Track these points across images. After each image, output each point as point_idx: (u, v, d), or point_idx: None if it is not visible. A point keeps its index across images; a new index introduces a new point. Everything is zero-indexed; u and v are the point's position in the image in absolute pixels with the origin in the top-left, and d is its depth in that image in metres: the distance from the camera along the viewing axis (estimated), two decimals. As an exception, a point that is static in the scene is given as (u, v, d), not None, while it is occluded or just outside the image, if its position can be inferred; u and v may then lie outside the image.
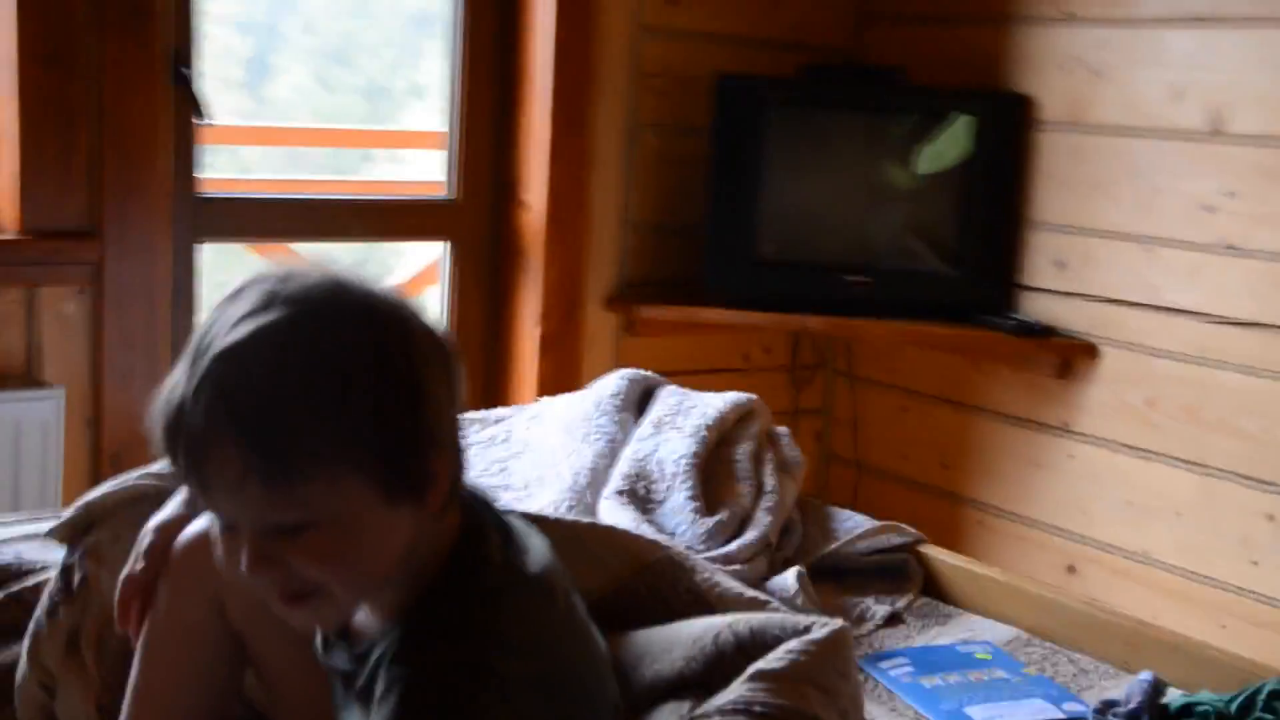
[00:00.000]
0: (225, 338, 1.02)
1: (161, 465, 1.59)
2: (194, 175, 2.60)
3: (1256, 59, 2.47)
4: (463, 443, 1.14)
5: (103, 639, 1.45)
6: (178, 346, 2.61)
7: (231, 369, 1.01)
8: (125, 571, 1.33)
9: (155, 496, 1.54)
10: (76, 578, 1.49)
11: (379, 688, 1.09)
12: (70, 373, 2.47)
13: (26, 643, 1.48)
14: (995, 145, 2.88)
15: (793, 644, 1.34)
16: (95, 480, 2.51)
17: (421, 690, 1.07)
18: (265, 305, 1.03)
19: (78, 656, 1.44)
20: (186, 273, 2.62)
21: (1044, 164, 2.84)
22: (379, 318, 1.06)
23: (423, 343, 1.09)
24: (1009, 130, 2.87)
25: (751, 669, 1.31)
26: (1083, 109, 2.76)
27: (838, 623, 1.38)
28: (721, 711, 1.25)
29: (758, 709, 1.25)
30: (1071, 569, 2.81)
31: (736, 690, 1.28)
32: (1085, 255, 2.77)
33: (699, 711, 1.27)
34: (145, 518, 1.51)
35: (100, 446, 2.51)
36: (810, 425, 3.28)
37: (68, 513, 1.57)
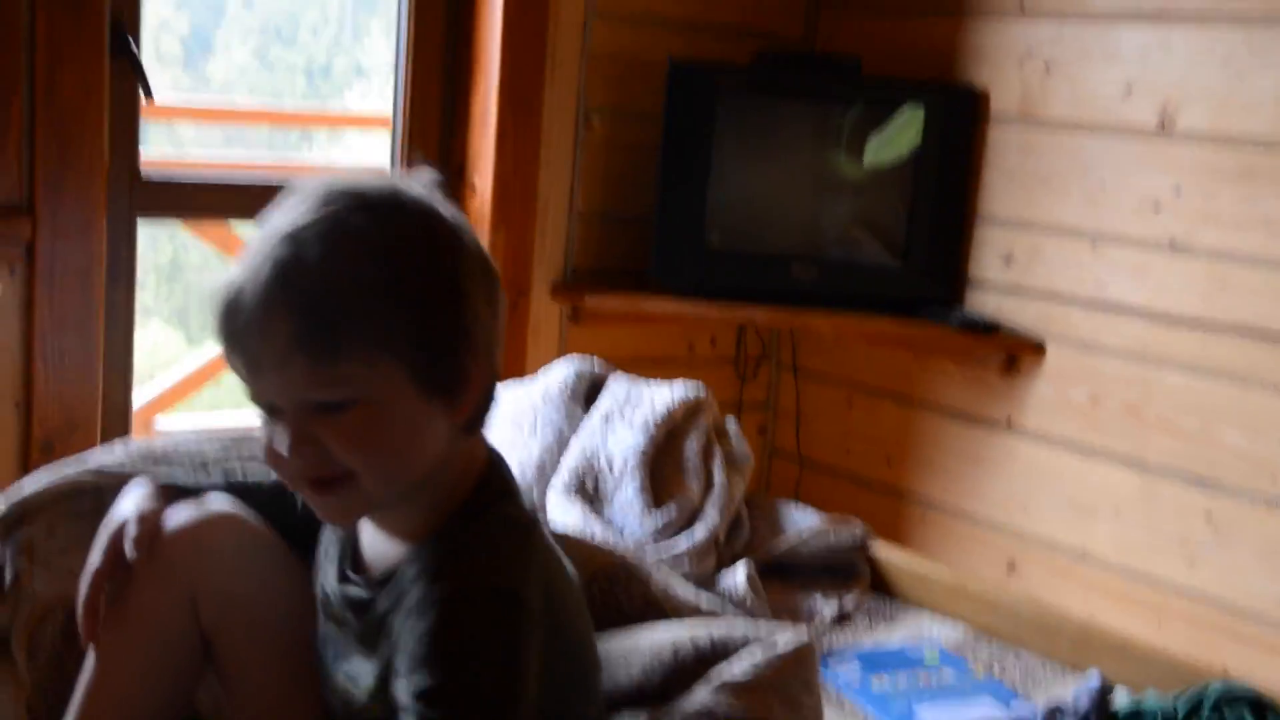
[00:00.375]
0: (287, 224, 1.09)
1: (96, 458, 1.54)
2: (135, 152, 2.52)
3: (1207, 56, 2.48)
4: (497, 368, 1.20)
5: (34, 639, 1.40)
6: (115, 328, 2.55)
7: (290, 249, 1.08)
8: (93, 564, 1.26)
9: (93, 491, 1.49)
10: (8, 575, 1.44)
11: (410, 603, 1.11)
12: (0, 354, 2.40)
13: None
14: (946, 138, 2.87)
15: (757, 656, 1.32)
16: (24, 467, 2.44)
17: (461, 607, 1.09)
18: (327, 199, 1.11)
19: (7, 660, 1.39)
20: (126, 251, 2.55)
21: (994, 158, 2.84)
22: (433, 222, 1.14)
23: (470, 255, 1.16)
24: (960, 123, 2.86)
25: (715, 679, 1.29)
26: (1034, 104, 2.76)
27: (801, 637, 1.36)
28: (685, 717, 1.23)
29: (722, 715, 1.23)
30: (1012, 566, 2.82)
31: (701, 698, 1.26)
32: (1032, 251, 2.77)
33: (661, 713, 1.25)
34: (81, 512, 1.47)
35: (30, 432, 2.44)
36: (754, 418, 3.26)
37: None
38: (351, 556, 1.24)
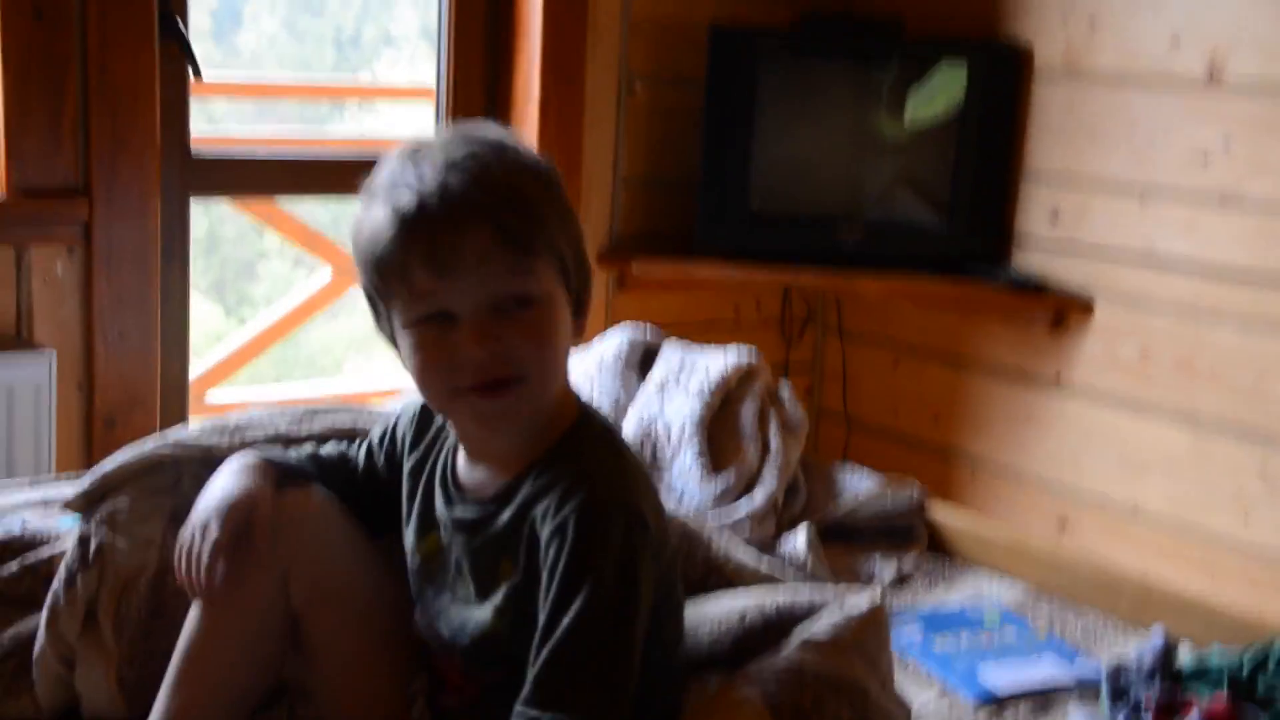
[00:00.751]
0: (447, 152, 1.17)
1: (175, 435, 1.57)
2: (185, 131, 2.55)
3: (1255, 3, 2.46)
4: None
5: (120, 610, 1.44)
6: (170, 305, 2.59)
7: (472, 163, 1.16)
8: (214, 536, 1.30)
9: (172, 465, 1.52)
10: (93, 545, 1.48)
11: (544, 520, 1.17)
12: (61, 335, 2.44)
13: (45, 616, 1.46)
14: (990, 96, 2.86)
15: (836, 616, 1.35)
16: (89, 444, 2.49)
17: (594, 521, 1.15)
18: (466, 136, 1.21)
19: (96, 630, 1.43)
20: (179, 230, 2.58)
21: (1039, 114, 2.83)
22: (552, 164, 1.25)
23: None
24: (1004, 80, 2.85)
25: (798, 638, 1.32)
26: (1079, 57, 2.75)
27: (875, 597, 1.39)
28: (775, 673, 1.26)
29: (810, 674, 1.26)
30: (1063, 523, 2.83)
31: (788, 656, 1.29)
32: (1080, 207, 2.77)
33: (751, 668, 1.28)
34: (161, 486, 1.50)
35: (93, 410, 2.48)
36: (800, 380, 3.27)
37: (83, 483, 1.55)
38: (455, 488, 1.29)
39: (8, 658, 1.45)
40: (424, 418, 1.36)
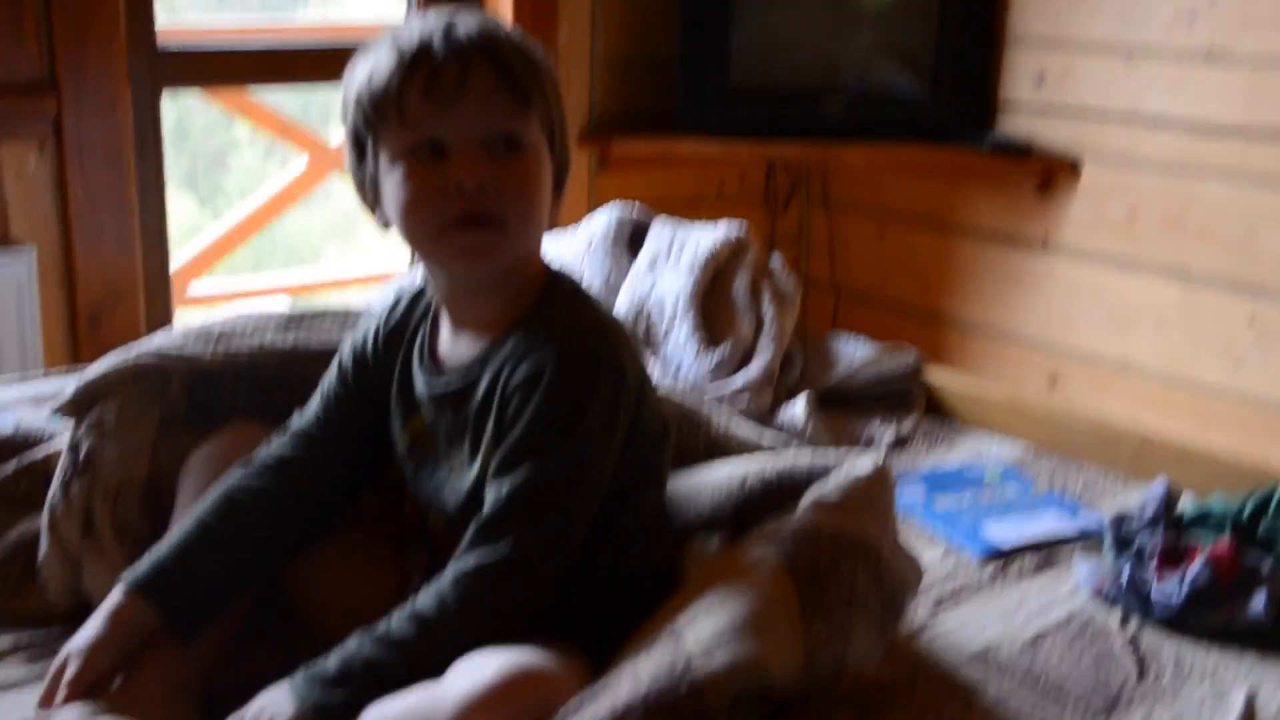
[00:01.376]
0: (447, 16, 1.21)
1: (157, 341, 1.55)
2: (150, 22, 2.48)
3: None
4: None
5: (117, 514, 1.43)
6: (147, 199, 2.55)
7: (477, 19, 1.21)
8: (66, 675, 1.23)
9: (156, 372, 1.51)
10: (83, 452, 1.47)
11: (519, 377, 1.19)
12: (39, 232, 2.40)
13: (45, 519, 1.45)
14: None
15: (843, 477, 1.35)
16: (74, 340, 2.47)
17: (560, 372, 1.18)
18: (446, 9, 1.24)
19: (96, 534, 1.42)
20: (151, 123, 2.52)
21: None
22: None
23: None
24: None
25: (808, 499, 1.33)
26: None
27: (877, 458, 1.39)
28: (791, 536, 1.27)
29: (824, 536, 1.27)
30: (1053, 380, 2.85)
31: (800, 517, 1.29)
32: (1064, 69, 2.74)
33: (766, 529, 1.29)
34: (147, 392, 1.49)
35: (76, 306, 2.45)
36: (787, 252, 3.26)
37: (70, 390, 1.53)
38: (433, 364, 1.30)
39: (12, 558, 1.45)
40: (392, 316, 1.35)
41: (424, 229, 1.22)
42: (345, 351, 1.39)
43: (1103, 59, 2.66)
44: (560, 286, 1.28)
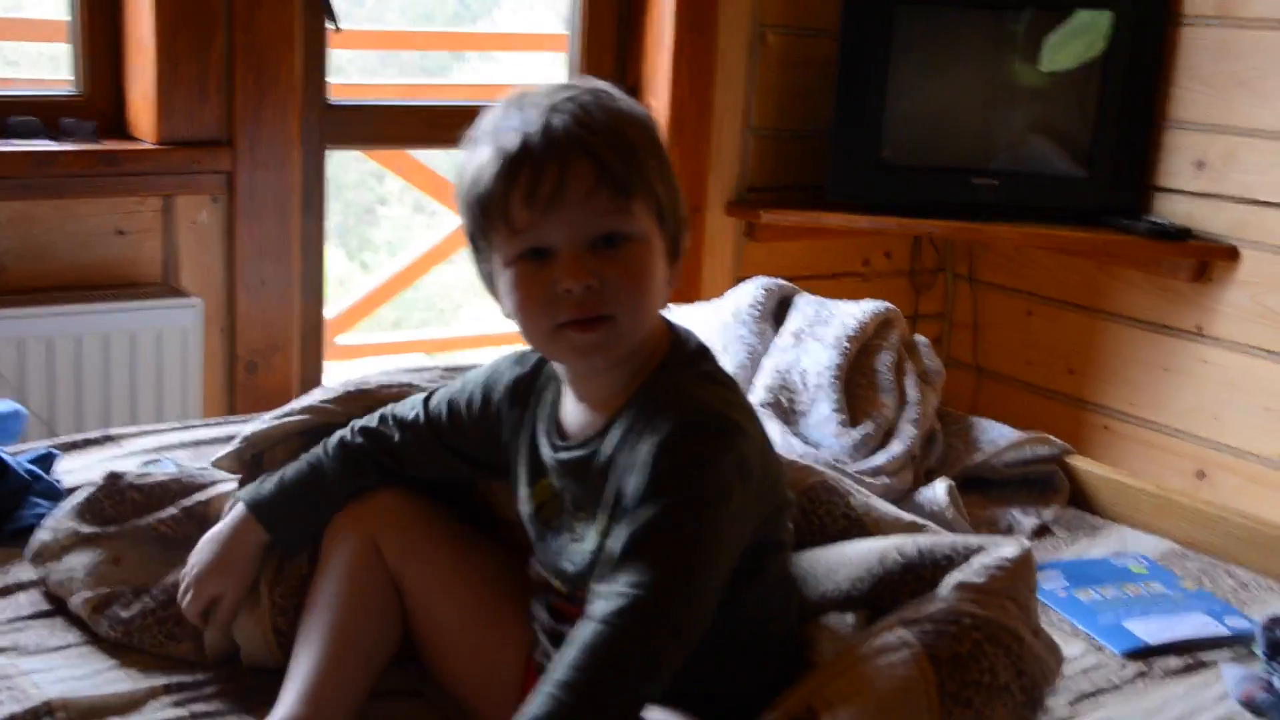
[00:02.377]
0: (550, 97, 1.21)
1: (316, 397, 1.61)
2: (323, 83, 2.59)
3: None
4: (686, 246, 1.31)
5: (279, 566, 1.47)
6: (308, 253, 2.64)
7: (574, 105, 1.20)
8: (186, 603, 1.47)
9: (316, 430, 1.56)
10: None
11: (636, 443, 1.20)
12: (205, 281, 2.50)
13: None
14: (1133, 41, 2.78)
15: (987, 559, 1.34)
16: (231, 387, 2.56)
17: (688, 432, 1.19)
18: (568, 86, 1.24)
19: (252, 589, 1.47)
20: (316, 179, 2.62)
21: (1187, 61, 2.75)
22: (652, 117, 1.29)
23: None
24: (1150, 25, 2.78)
25: (950, 581, 1.31)
26: (1234, 2, 2.66)
27: (1023, 544, 1.38)
28: (933, 620, 1.26)
29: (967, 620, 1.26)
30: (1201, 475, 2.78)
31: (942, 602, 1.28)
32: (1227, 155, 2.69)
33: (906, 613, 1.28)
34: (305, 450, 1.54)
35: (235, 354, 2.55)
36: (929, 330, 3.24)
37: (233, 445, 1.59)
38: (558, 430, 1.32)
39: (170, 602, 1.50)
40: (519, 381, 1.39)
41: (538, 331, 1.24)
42: (475, 380, 1.44)
43: (1268, 145, 2.61)
44: (682, 356, 1.28)
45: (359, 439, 1.48)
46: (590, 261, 1.20)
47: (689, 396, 1.23)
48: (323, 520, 1.46)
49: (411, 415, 1.47)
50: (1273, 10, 2.59)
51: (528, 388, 1.38)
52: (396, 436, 1.47)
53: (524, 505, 1.36)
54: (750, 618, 1.29)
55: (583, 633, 1.13)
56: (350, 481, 1.47)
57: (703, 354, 1.30)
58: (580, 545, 1.29)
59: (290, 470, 1.49)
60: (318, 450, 1.49)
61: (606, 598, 1.14)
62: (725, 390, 1.28)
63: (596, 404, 1.29)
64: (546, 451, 1.32)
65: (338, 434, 1.50)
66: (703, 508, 1.17)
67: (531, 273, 1.21)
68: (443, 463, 1.47)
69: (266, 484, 1.48)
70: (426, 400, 1.48)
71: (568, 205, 1.18)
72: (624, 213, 1.20)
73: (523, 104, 1.22)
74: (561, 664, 1.12)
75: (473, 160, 1.23)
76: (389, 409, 1.51)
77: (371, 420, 1.50)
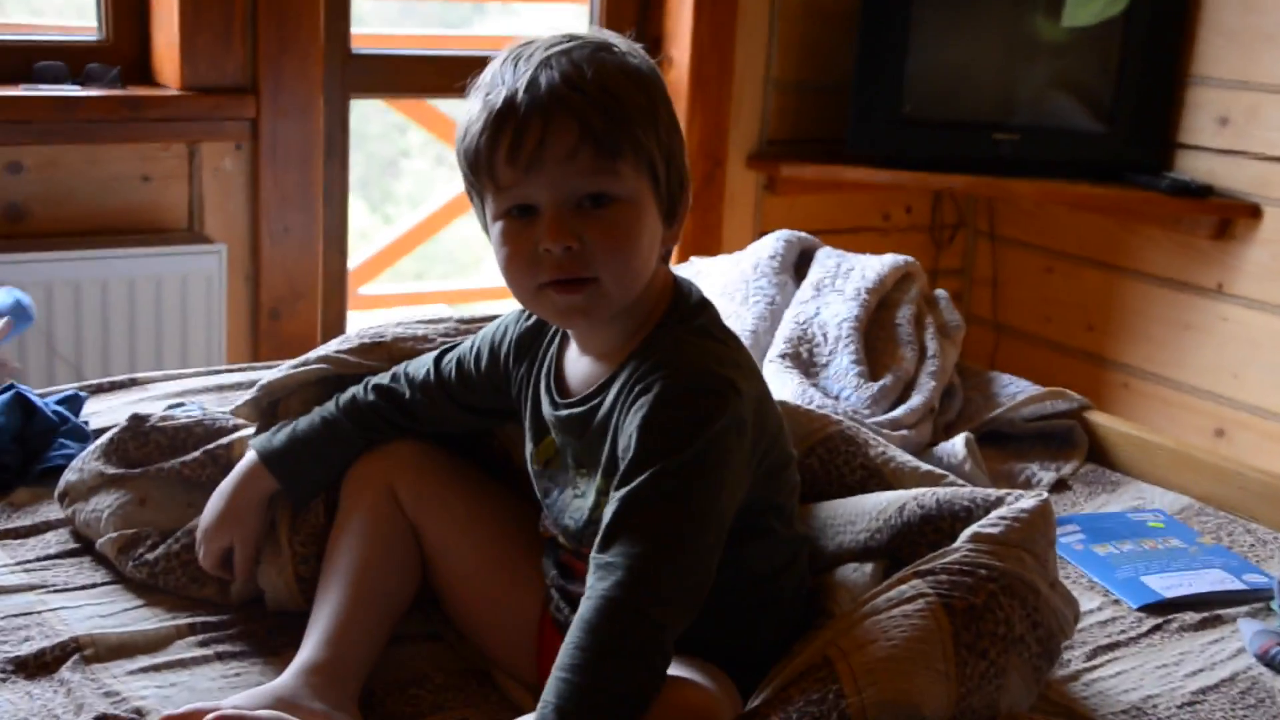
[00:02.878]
0: (546, 50, 1.19)
1: (333, 347, 1.62)
2: (346, 32, 2.59)
3: None
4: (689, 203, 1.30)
5: (294, 517, 1.49)
6: (331, 202, 2.65)
7: (566, 61, 1.18)
8: (201, 554, 1.49)
9: (333, 380, 1.57)
10: None
11: (632, 399, 1.20)
12: (229, 228, 2.52)
13: None
14: (1158, -4, 2.77)
15: (1004, 511, 1.35)
16: (255, 334, 2.58)
17: (680, 391, 1.18)
18: (571, 38, 1.21)
19: (273, 535, 1.49)
20: (340, 128, 2.63)
21: (1211, 16, 2.73)
22: (658, 72, 1.26)
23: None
24: (1175, -20, 2.76)
25: (969, 532, 1.32)
26: (1257, -43, 2.64)
27: (1041, 496, 1.38)
28: (949, 571, 1.27)
29: (983, 572, 1.27)
30: (1220, 433, 2.78)
31: (959, 553, 1.29)
32: (1250, 111, 2.67)
33: (922, 565, 1.29)
34: (321, 399, 1.55)
35: (259, 301, 2.56)
36: (950, 285, 3.22)
37: (251, 393, 1.60)
38: (558, 389, 1.33)
39: (194, 544, 1.51)
40: (524, 335, 1.40)
41: (521, 289, 1.24)
42: (484, 337, 1.45)
43: (1292, 104, 2.60)
44: (682, 311, 1.27)
45: (371, 396, 1.49)
46: (573, 222, 1.18)
47: (684, 356, 1.21)
48: (333, 473, 1.47)
49: (423, 374, 1.48)
50: (1300, -37, 2.57)
51: (532, 341, 1.38)
52: (408, 394, 1.48)
53: (531, 461, 1.37)
54: (757, 574, 1.30)
55: (583, 610, 1.13)
56: (361, 435, 1.48)
57: (703, 307, 1.29)
58: (582, 502, 1.30)
59: (303, 422, 1.50)
60: (329, 405, 1.51)
61: (602, 570, 1.14)
62: (723, 346, 1.26)
63: (599, 356, 1.29)
64: (547, 408, 1.33)
65: (350, 390, 1.51)
66: (695, 473, 1.16)
67: (517, 230, 1.21)
68: (456, 419, 1.49)
69: (279, 435, 1.49)
70: (439, 359, 1.49)
71: (549, 164, 1.17)
72: (608, 173, 1.18)
73: (518, 58, 1.20)
74: (568, 645, 1.12)
75: (467, 114, 1.22)
76: (401, 367, 1.52)
77: (384, 378, 1.50)
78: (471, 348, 1.46)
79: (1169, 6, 2.77)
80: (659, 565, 1.13)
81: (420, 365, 1.50)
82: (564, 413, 1.30)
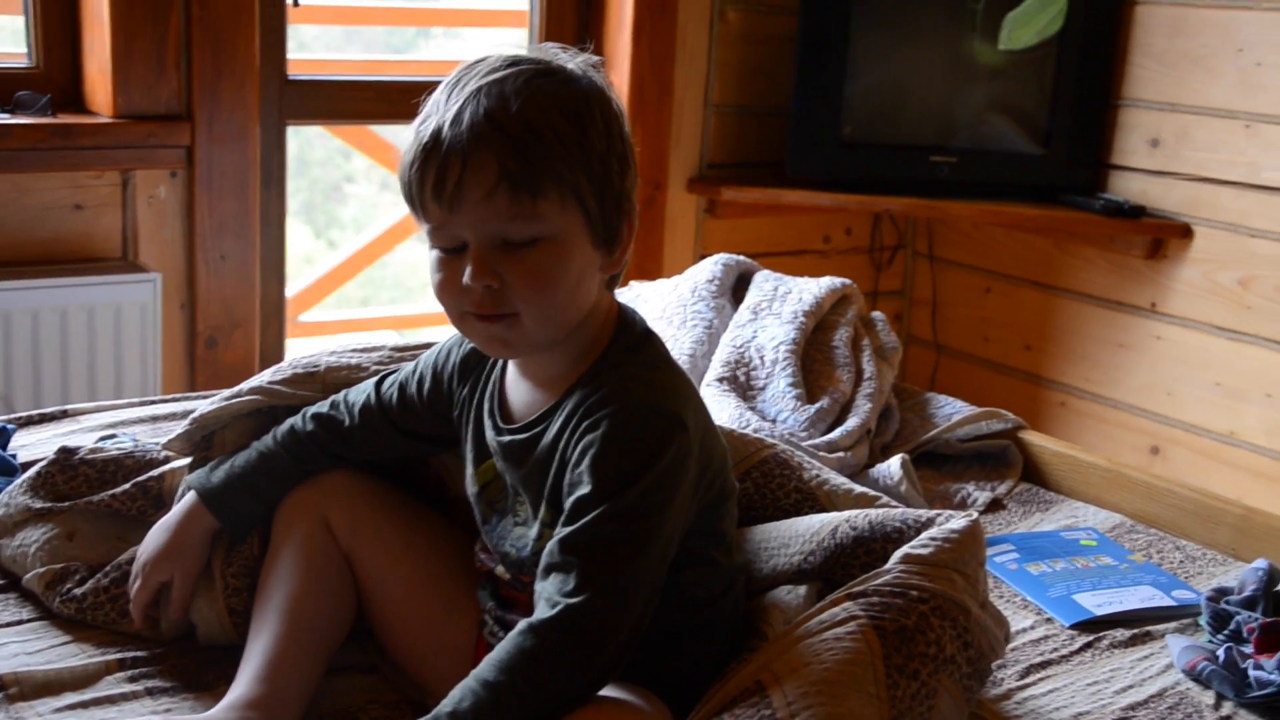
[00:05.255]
0: (482, 79, 1.18)
1: (266, 377, 1.61)
2: (282, 58, 2.58)
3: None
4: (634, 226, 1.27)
5: (229, 547, 1.48)
6: (269, 229, 2.63)
7: (494, 95, 1.17)
8: (135, 590, 1.47)
9: (267, 412, 1.56)
10: None
11: (578, 430, 1.20)
12: (164, 257, 2.50)
13: None
14: (1089, 20, 2.81)
15: (934, 532, 1.36)
16: (192, 363, 2.55)
17: (629, 422, 1.19)
18: (513, 63, 1.20)
19: (205, 571, 1.47)
20: (277, 154, 2.61)
21: (1141, 39, 2.77)
22: (603, 92, 1.24)
23: (625, 127, 1.25)
24: (1104, 4, 2.80)
25: (900, 553, 1.33)
26: (1184, -19, 2.69)
27: (971, 516, 1.40)
28: (880, 592, 1.27)
29: (914, 593, 1.27)
30: (1156, 450, 2.81)
31: (889, 575, 1.30)
32: (1181, 133, 2.72)
33: (855, 584, 1.30)
34: (254, 432, 1.54)
35: (195, 330, 2.54)
36: (890, 307, 3.27)
37: (183, 425, 1.59)
38: (501, 414, 1.33)
39: (125, 578, 1.49)
40: (467, 358, 1.40)
41: (450, 315, 1.25)
42: (426, 360, 1.45)
43: (1221, 125, 2.64)
44: (626, 341, 1.27)
45: (309, 425, 1.48)
46: (495, 260, 1.18)
47: (631, 391, 1.21)
48: (272, 507, 1.46)
49: (363, 399, 1.47)
50: (1224, -13, 2.62)
51: (477, 363, 1.38)
52: (347, 421, 1.47)
53: (470, 484, 1.37)
54: (695, 600, 1.30)
55: (517, 635, 1.14)
56: (299, 468, 1.47)
57: (648, 337, 1.29)
58: (525, 530, 1.30)
59: (240, 458, 1.48)
60: (267, 438, 1.49)
61: (543, 602, 1.15)
62: (669, 379, 1.26)
63: (541, 383, 1.29)
64: (490, 433, 1.33)
65: (289, 421, 1.50)
66: (642, 512, 1.17)
67: (445, 260, 1.22)
68: (396, 446, 1.48)
69: (216, 472, 1.48)
70: (379, 383, 1.48)
71: (469, 204, 1.17)
72: (525, 215, 1.17)
73: (455, 85, 1.20)
74: (491, 661, 1.13)
75: (407, 140, 1.23)
76: (341, 394, 1.51)
77: (323, 406, 1.50)
78: (414, 371, 1.45)
79: (1100, 30, 2.81)
80: (597, 607, 1.14)
81: (360, 391, 1.49)
82: (506, 439, 1.30)
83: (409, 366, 1.47)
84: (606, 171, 1.21)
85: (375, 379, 1.49)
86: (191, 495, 1.48)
